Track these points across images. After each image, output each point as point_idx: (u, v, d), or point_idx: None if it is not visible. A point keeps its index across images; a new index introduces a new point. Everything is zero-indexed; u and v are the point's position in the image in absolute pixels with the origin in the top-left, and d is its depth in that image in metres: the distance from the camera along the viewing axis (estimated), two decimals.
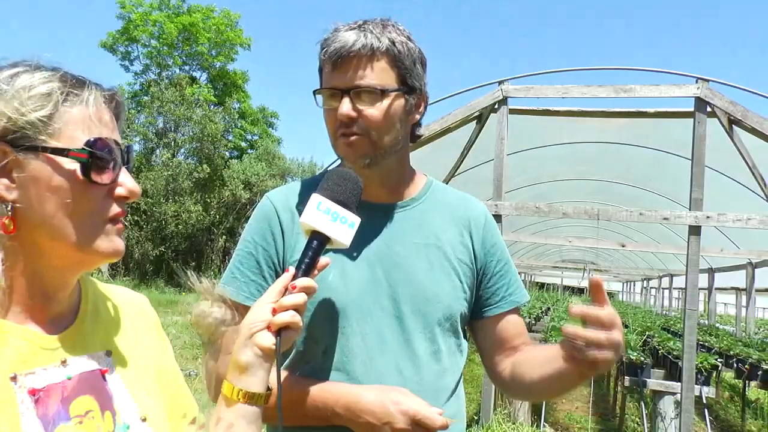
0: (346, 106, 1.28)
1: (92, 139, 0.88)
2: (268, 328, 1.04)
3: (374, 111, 1.29)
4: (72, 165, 0.87)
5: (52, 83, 0.87)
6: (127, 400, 0.95)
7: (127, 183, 0.93)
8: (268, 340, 1.03)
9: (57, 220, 0.86)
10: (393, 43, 1.30)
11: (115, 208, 0.92)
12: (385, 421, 1.19)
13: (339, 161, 1.45)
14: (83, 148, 0.87)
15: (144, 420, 0.95)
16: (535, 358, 1.39)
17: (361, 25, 1.30)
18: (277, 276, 1.24)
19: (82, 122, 0.88)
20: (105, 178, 0.89)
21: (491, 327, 1.48)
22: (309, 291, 1.09)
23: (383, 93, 1.29)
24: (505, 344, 1.48)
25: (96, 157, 0.88)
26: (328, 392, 1.27)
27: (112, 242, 0.91)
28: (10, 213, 0.84)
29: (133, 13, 27.99)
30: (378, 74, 1.29)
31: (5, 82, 0.85)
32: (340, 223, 1.14)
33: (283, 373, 1.20)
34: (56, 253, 0.89)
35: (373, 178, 1.38)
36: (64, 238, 0.87)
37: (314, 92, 1.34)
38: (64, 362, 0.89)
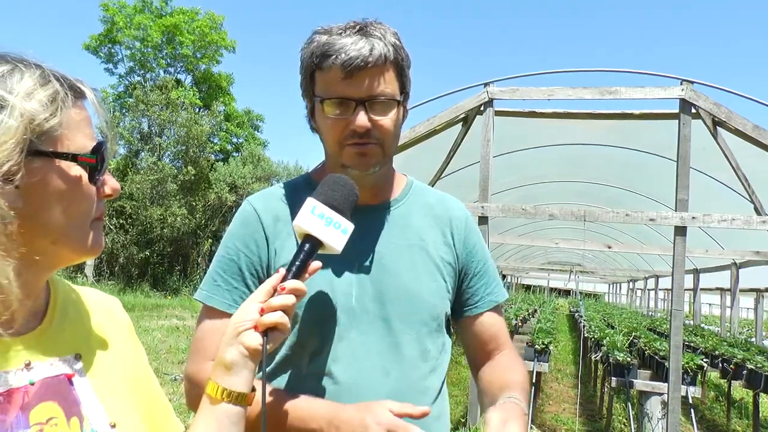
0: (362, 118, 1.26)
1: (98, 144, 0.88)
2: (255, 328, 1.03)
3: (387, 120, 1.29)
4: (77, 170, 0.86)
5: (52, 85, 0.84)
6: (95, 405, 0.91)
7: (110, 182, 0.93)
8: (255, 340, 1.02)
9: (60, 224, 0.85)
10: (396, 50, 1.29)
11: (101, 207, 0.92)
12: None
13: (322, 165, 1.43)
14: (92, 154, 0.87)
15: (113, 426, 0.92)
16: (491, 388, 1.40)
17: (362, 28, 1.26)
18: (260, 283, 1.22)
19: (78, 125, 0.87)
20: (102, 180, 0.91)
21: (472, 327, 1.49)
22: (298, 293, 1.09)
23: (395, 103, 1.30)
24: (486, 344, 1.49)
25: (101, 160, 0.88)
26: (302, 409, 1.22)
27: (100, 239, 0.92)
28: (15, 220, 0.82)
29: (116, 16, 27.68)
30: (390, 84, 1.29)
31: (3, 88, 0.81)
32: (333, 229, 1.14)
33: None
34: (52, 255, 0.87)
35: (366, 183, 1.35)
36: (65, 241, 0.87)
37: (321, 101, 1.29)
38: (28, 365, 0.86)
